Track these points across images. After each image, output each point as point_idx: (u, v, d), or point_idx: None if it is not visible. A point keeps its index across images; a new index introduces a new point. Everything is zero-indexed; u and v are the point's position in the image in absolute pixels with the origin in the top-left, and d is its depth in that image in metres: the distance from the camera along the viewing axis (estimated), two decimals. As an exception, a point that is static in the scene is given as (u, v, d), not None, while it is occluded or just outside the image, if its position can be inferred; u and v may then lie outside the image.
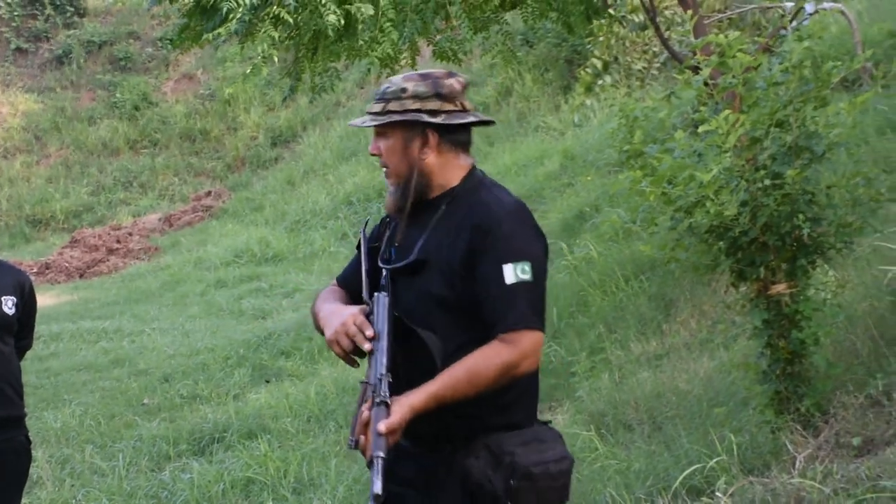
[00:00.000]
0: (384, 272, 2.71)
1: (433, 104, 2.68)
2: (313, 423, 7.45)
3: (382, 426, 2.39)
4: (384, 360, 2.50)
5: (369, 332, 2.55)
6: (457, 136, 2.73)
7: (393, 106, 2.68)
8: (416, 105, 2.66)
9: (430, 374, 2.51)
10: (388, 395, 2.45)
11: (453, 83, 2.72)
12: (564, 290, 8.43)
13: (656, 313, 7.27)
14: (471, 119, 2.72)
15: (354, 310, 2.64)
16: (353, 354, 2.60)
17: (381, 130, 2.71)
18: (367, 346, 2.55)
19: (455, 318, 2.58)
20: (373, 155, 2.76)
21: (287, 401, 7.92)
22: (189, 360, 10.23)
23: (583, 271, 8.59)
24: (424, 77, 2.71)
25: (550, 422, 2.77)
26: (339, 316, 2.63)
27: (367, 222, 2.93)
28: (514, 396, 2.62)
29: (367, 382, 2.50)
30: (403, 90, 2.67)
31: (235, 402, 8.43)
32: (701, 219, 4.29)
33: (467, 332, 2.56)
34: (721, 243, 4.38)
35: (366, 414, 2.45)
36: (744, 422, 4.74)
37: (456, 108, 2.70)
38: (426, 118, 2.66)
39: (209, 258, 16.43)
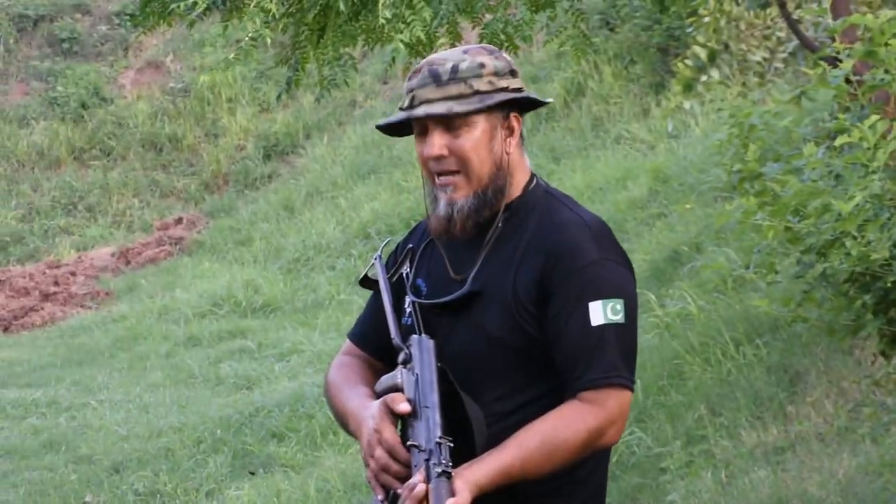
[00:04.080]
0: (411, 309, 2.72)
1: (516, 83, 2.71)
2: (312, 532, 7.44)
3: None
4: (438, 419, 2.53)
5: (403, 407, 2.58)
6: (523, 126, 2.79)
7: (480, 85, 2.66)
8: (503, 83, 2.68)
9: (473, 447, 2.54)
10: (450, 463, 2.47)
11: (509, 58, 2.77)
12: (653, 356, 8.40)
13: (777, 391, 7.23)
14: (548, 99, 2.81)
15: (374, 412, 2.63)
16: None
17: (457, 122, 2.66)
18: (403, 408, 2.58)
19: (519, 368, 2.60)
20: (433, 158, 2.69)
21: (278, 500, 7.90)
22: (148, 444, 10.23)
23: (678, 332, 8.57)
24: (487, 51, 2.72)
25: None
26: (364, 425, 2.64)
27: (383, 245, 2.93)
28: (582, 475, 2.63)
29: (416, 447, 2.52)
30: (481, 65, 2.67)
31: (209, 500, 8.41)
32: (839, 263, 4.27)
33: (534, 386, 2.59)
34: (867, 297, 4.36)
35: (421, 487, 2.46)
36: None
37: (522, 87, 2.75)
38: (521, 96, 2.71)
39: (178, 307, 16.48)
